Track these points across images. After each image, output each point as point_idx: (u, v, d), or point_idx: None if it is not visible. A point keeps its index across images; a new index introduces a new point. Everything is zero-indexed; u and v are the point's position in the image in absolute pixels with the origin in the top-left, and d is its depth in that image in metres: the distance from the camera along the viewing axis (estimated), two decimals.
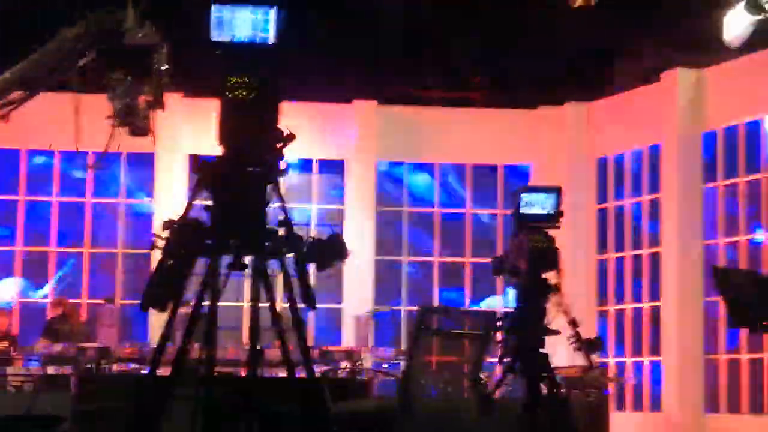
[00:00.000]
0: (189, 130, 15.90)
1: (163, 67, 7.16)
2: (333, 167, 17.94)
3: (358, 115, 17.54)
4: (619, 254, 17.48)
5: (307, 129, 16.54)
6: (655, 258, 16.75)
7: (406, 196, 18.19)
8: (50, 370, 8.49)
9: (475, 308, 14.21)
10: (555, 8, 12.30)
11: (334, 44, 14.41)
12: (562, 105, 17.79)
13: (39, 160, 17.63)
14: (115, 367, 8.16)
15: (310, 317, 17.12)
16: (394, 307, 16.41)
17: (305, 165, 17.80)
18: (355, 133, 17.49)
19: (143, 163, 17.12)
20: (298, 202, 17.49)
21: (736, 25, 11.83)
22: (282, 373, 5.36)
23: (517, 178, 17.69)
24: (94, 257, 17.65)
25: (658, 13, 13.98)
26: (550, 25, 14.20)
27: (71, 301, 15.24)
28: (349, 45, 14.69)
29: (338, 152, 17.73)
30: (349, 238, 16.60)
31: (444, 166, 18.27)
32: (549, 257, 8.00)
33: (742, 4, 11.55)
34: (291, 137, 4.59)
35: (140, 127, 7.02)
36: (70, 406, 7.25)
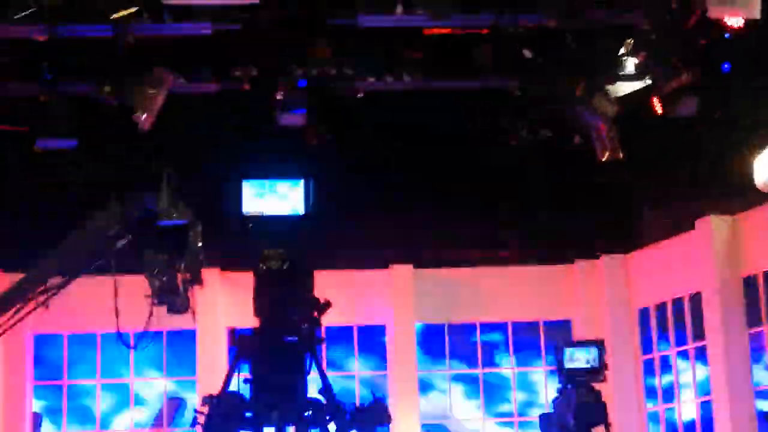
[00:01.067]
0: (228, 304, 15.96)
1: (198, 245, 7.22)
2: (373, 333, 17.90)
3: (395, 280, 17.57)
4: (669, 405, 17.16)
5: (346, 296, 16.59)
6: (706, 407, 16.43)
7: (448, 358, 18.05)
8: None
9: None
10: (583, 163, 12.41)
11: (368, 213, 14.57)
12: (598, 258, 17.75)
13: (80, 342, 17.70)
14: None
15: None
16: None
17: (345, 332, 17.76)
18: (393, 298, 17.49)
19: (184, 339, 17.14)
20: (341, 370, 17.40)
21: (766, 168, 11.86)
22: None
23: (559, 332, 17.54)
24: None
25: (687, 162, 14.07)
26: (580, 179, 14.29)
27: None
28: (384, 212, 14.85)
29: (377, 318, 17.70)
30: (393, 402, 16.59)
31: (483, 325, 18.17)
32: (597, 411, 7.91)
33: None
34: (327, 305, 4.60)
35: (179, 305, 7.05)
36: None
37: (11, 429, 16.90)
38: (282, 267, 4.60)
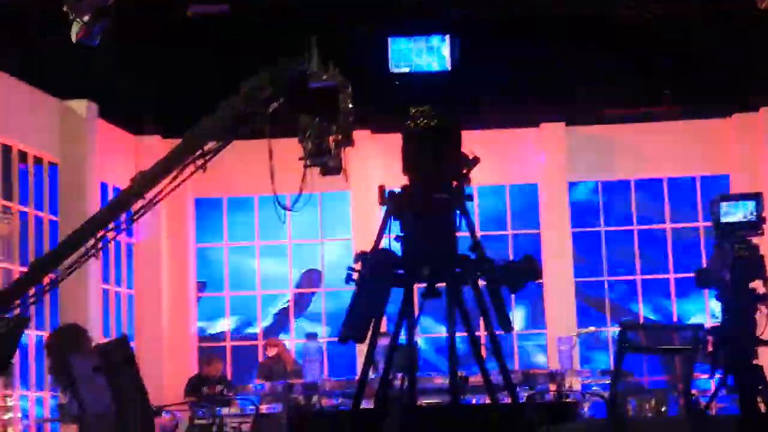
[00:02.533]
0: (379, 166, 16.12)
1: (349, 106, 7.27)
2: (525, 192, 17.89)
3: (546, 138, 17.44)
4: None
5: (496, 156, 16.57)
6: None
7: (603, 216, 17.94)
8: (263, 408, 8.68)
9: (679, 323, 13.82)
10: (744, 15, 11.97)
11: (517, 69, 14.37)
12: (757, 111, 17.22)
13: (238, 206, 18.19)
14: (323, 402, 8.28)
15: (515, 342, 17.08)
16: (598, 328, 16.13)
17: (497, 192, 17.81)
18: (545, 156, 17.39)
19: (338, 201, 17.47)
20: (493, 230, 17.49)
21: None
22: (486, 399, 5.34)
23: (716, 189, 17.19)
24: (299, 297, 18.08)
25: None
26: (739, 31, 13.80)
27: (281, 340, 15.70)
28: (534, 67, 14.63)
29: (529, 176, 17.66)
30: (547, 262, 16.60)
31: (637, 182, 17.95)
32: (753, 266, 7.77)
33: None
34: (476, 160, 4.60)
35: (332, 167, 7.13)
36: None
37: (177, 292, 17.59)
38: (430, 124, 4.60)
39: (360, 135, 16.56)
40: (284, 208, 6.27)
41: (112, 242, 10.40)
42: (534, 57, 14.16)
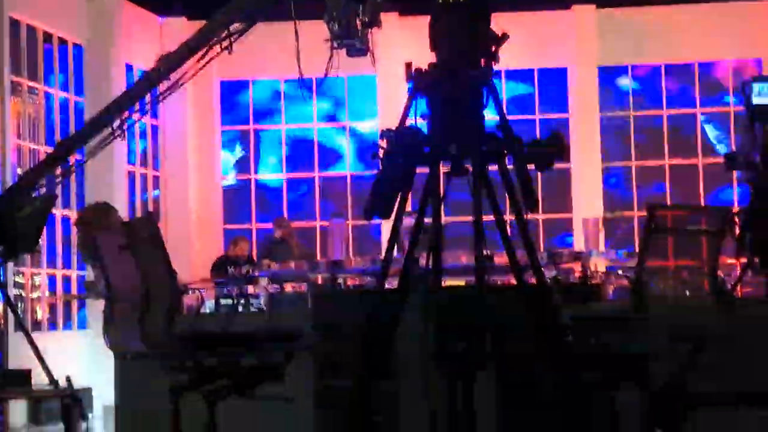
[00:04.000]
0: (407, 47, 15.96)
1: None
2: (554, 76, 17.73)
3: (577, 21, 17.20)
4: None
5: (526, 39, 16.37)
6: None
7: (632, 101, 17.79)
8: (288, 288, 8.75)
9: (708, 205, 13.75)
10: None
11: None
12: None
13: (264, 88, 18.12)
14: (348, 281, 8.32)
15: (540, 225, 17.09)
16: (624, 212, 16.14)
17: (526, 75, 17.66)
18: (575, 40, 17.16)
19: (365, 84, 17.37)
20: (522, 113, 17.39)
21: None
22: (511, 279, 5.34)
23: (749, 74, 16.97)
24: (324, 181, 18.11)
25: None
26: None
27: (296, 224, 15.71)
28: None
29: (559, 60, 17.48)
30: (575, 147, 16.52)
31: (667, 67, 17.74)
32: None
33: None
34: (505, 37, 4.51)
35: (358, 48, 7.04)
36: (307, 323, 7.45)
37: (204, 172, 17.64)
38: (460, 0, 4.50)
39: (387, 17, 16.44)
40: (309, 89, 6.21)
41: (138, 123, 10.38)
42: None
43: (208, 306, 9.48)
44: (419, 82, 4.64)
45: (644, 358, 6.73)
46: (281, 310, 8.44)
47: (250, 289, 8.95)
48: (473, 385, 4.59)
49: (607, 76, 17.74)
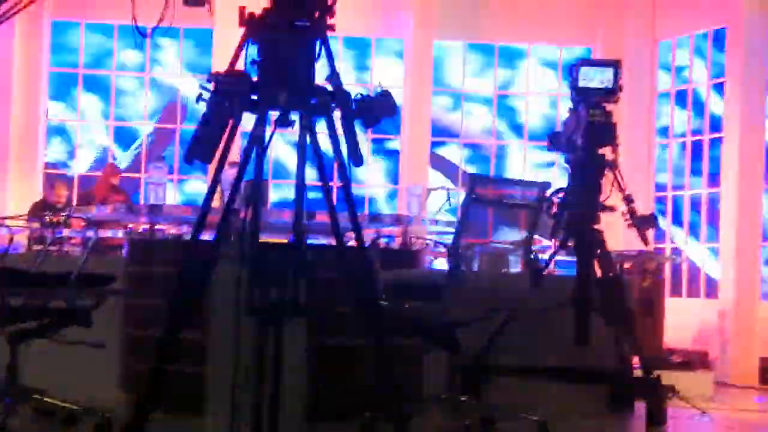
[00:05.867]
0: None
1: None
2: (391, 48, 17.81)
3: None
4: (681, 139, 17.22)
5: (364, 8, 16.38)
6: (715, 144, 16.49)
7: (464, 79, 18.04)
8: (106, 233, 8.56)
9: (527, 180, 14.07)
10: None
11: None
12: None
13: (97, 33, 17.64)
14: (168, 229, 8.18)
15: (365, 192, 17.20)
16: (449, 188, 16.33)
17: (363, 44, 17.69)
18: (414, 12, 17.26)
19: (201, 37, 17.10)
20: (357, 83, 17.40)
21: None
22: (331, 239, 5.32)
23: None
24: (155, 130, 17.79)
25: None
26: None
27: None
28: None
29: (396, 32, 17.56)
30: (407, 121, 16.66)
31: (502, 48, 18.05)
32: (606, 132, 7.89)
33: None
34: None
35: None
36: (119, 269, 7.30)
37: (29, 112, 17.08)
38: None
39: None
40: (143, 35, 6.05)
41: None
42: None
43: (21, 248, 9.19)
44: (252, 27, 4.56)
45: (455, 326, 6.85)
46: (96, 256, 8.24)
47: (65, 232, 8.71)
48: (283, 336, 4.56)
49: (444, 50, 17.92)
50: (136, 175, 17.35)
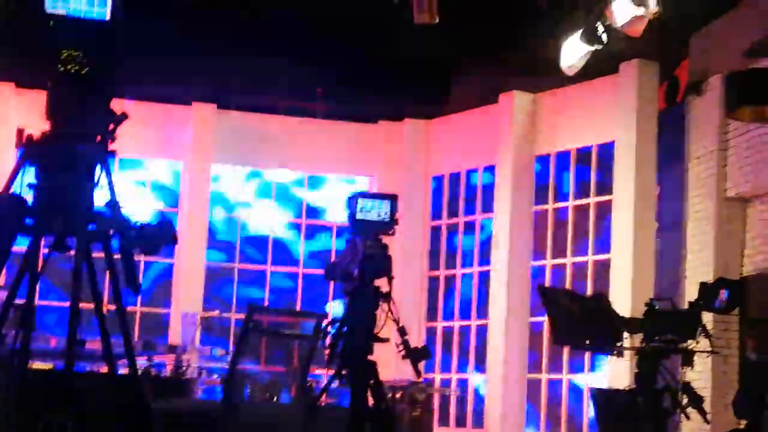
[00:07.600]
0: (21, 106, 15.40)
1: None
2: (171, 169, 17.73)
3: (196, 117, 17.31)
4: (451, 272, 17.68)
5: (144, 129, 16.27)
6: (484, 276, 17.01)
7: (244, 202, 18.10)
8: None
9: (304, 311, 14.10)
10: (398, 23, 12.31)
11: (176, 44, 14.11)
12: (402, 121, 17.94)
13: None
14: None
15: (137, 317, 16.80)
16: (223, 314, 16.18)
17: (141, 164, 17.55)
18: (192, 136, 17.26)
19: None
20: (133, 204, 17.15)
21: (572, 53, 12.13)
22: (104, 367, 5.18)
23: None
24: None
25: (499, 35, 14.13)
26: (393, 40, 14.19)
27: None
28: (192, 46, 14.41)
29: (175, 154, 17.49)
30: (183, 240, 16.49)
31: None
32: (382, 264, 8.00)
33: (578, 34, 11.84)
34: (124, 116, 4.44)
35: None
36: None
37: None
38: (81, 71, 4.39)
39: (3, 87, 15.86)
40: None
41: None
42: (194, 34, 13.94)
43: None
44: (29, 149, 4.46)
45: None
46: None
47: None
48: None
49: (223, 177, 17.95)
50: None
